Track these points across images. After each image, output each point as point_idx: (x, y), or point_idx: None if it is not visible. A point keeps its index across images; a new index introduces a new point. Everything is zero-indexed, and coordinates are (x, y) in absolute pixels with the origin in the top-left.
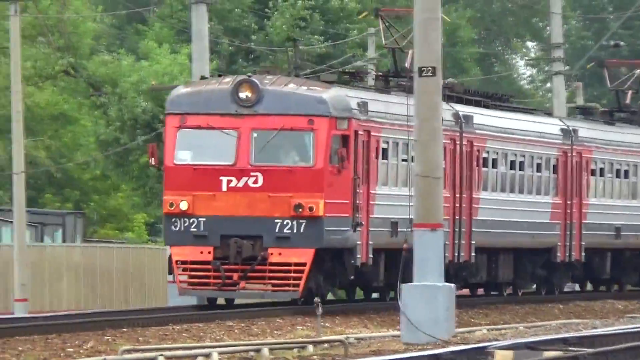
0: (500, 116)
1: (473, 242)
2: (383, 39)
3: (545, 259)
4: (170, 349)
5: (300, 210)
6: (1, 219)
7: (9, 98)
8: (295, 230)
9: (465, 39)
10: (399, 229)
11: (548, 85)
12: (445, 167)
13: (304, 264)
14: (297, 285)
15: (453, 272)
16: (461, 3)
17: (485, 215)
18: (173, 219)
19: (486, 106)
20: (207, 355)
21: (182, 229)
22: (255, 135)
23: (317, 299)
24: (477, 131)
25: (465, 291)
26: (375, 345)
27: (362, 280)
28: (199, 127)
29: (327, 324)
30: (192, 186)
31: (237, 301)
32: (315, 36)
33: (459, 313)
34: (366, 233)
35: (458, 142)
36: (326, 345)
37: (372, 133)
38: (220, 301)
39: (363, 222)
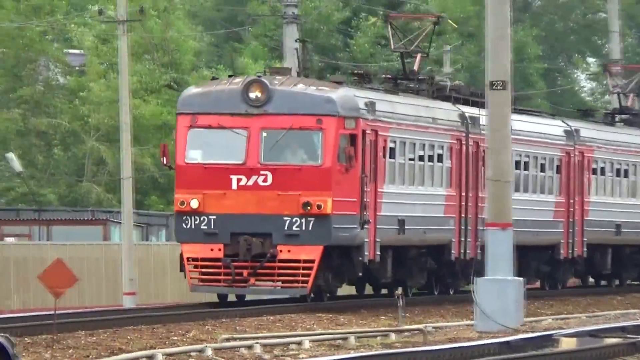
0: None
1: (479, 239)
2: (392, 43)
3: (549, 256)
4: (265, 337)
5: (308, 208)
6: (111, 220)
7: (118, 110)
8: (303, 228)
9: (532, 56)
10: (405, 227)
11: (607, 97)
12: (451, 167)
13: (312, 261)
14: (306, 282)
15: (459, 268)
16: (528, 23)
17: None
18: (184, 217)
19: None
20: (299, 343)
21: (193, 226)
22: (264, 134)
23: (398, 292)
24: (483, 132)
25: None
26: (451, 334)
27: (370, 276)
28: (209, 127)
29: (407, 315)
30: (203, 184)
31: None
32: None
33: (527, 304)
34: (374, 230)
35: (464, 143)
36: (407, 333)
37: (380, 132)
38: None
39: (370, 220)
